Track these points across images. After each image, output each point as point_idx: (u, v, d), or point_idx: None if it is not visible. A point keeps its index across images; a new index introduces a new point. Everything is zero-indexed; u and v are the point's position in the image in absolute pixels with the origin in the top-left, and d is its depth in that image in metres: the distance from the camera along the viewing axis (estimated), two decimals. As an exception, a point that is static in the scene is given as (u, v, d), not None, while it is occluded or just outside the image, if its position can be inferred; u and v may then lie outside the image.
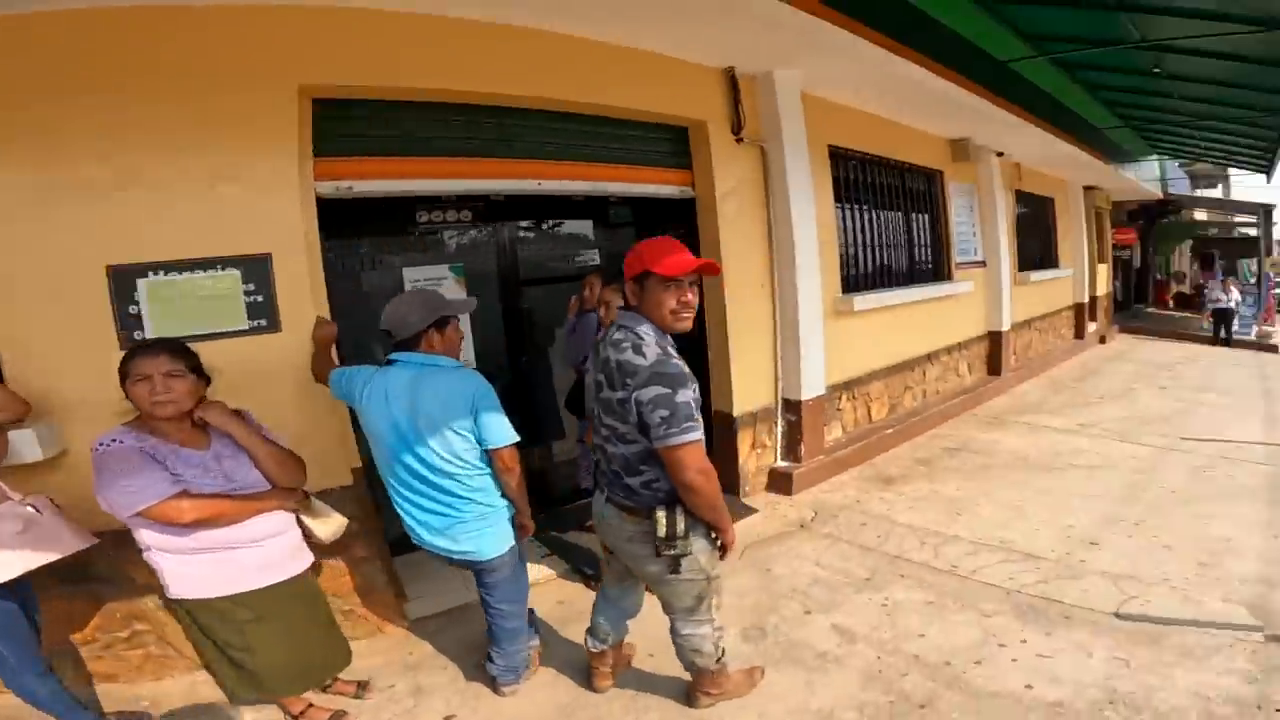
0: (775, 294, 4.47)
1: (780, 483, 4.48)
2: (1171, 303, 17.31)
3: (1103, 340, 11.71)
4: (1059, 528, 3.80)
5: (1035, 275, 9.01)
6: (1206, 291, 13.18)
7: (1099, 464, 5.00)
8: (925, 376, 6.65)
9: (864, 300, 5.28)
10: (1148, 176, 12.30)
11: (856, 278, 5.60)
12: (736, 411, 4.32)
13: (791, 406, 4.50)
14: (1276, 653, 2.54)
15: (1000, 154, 7.71)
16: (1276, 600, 2.93)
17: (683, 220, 4.22)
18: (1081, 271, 10.91)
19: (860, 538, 3.76)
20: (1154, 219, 17.26)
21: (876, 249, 5.94)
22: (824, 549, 3.64)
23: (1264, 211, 12.53)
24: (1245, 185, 18.91)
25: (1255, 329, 12.17)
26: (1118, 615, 2.84)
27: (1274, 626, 2.71)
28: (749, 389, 4.44)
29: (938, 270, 6.97)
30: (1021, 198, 9.05)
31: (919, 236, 6.62)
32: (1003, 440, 5.79)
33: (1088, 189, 11.60)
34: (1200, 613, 2.84)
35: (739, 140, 4.17)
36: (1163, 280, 18.54)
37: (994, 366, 7.78)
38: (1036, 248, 9.84)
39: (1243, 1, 3.77)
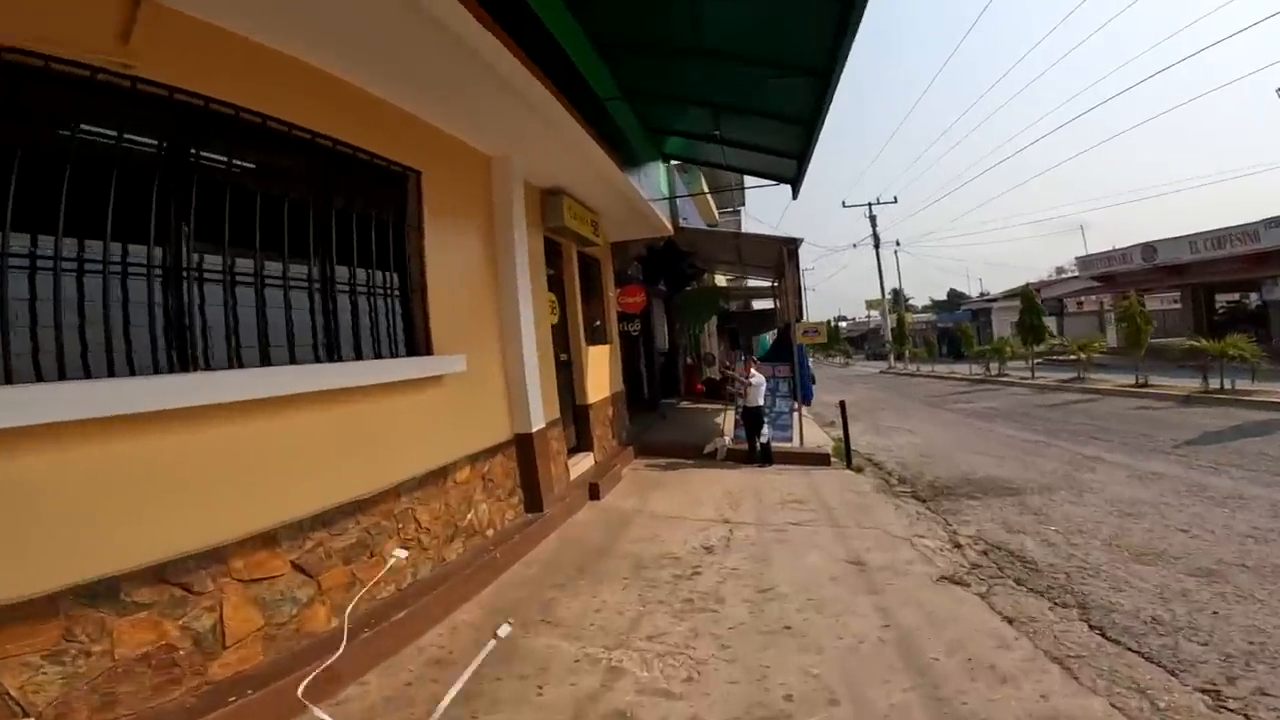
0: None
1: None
2: (704, 391, 14.18)
3: (595, 495, 5.99)
4: None
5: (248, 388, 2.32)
6: (732, 379, 9.26)
7: None
8: None
9: None
10: (653, 194, 7.69)
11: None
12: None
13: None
14: None
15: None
16: None
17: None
18: (521, 364, 4.95)
19: None
20: (677, 282, 14.14)
21: None
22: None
23: (786, 251, 8.74)
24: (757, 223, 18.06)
25: (794, 429, 8.29)
26: None
27: None
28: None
29: None
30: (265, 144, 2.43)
31: None
32: None
33: (549, 193, 6.10)
34: None
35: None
36: (693, 364, 15.76)
37: None
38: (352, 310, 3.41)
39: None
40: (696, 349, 17.19)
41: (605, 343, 8.38)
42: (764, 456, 7.66)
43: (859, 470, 7.52)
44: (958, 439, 9.71)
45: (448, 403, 4.01)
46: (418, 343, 3.88)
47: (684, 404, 13.17)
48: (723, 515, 5.49)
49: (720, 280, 17.44)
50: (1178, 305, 24.99)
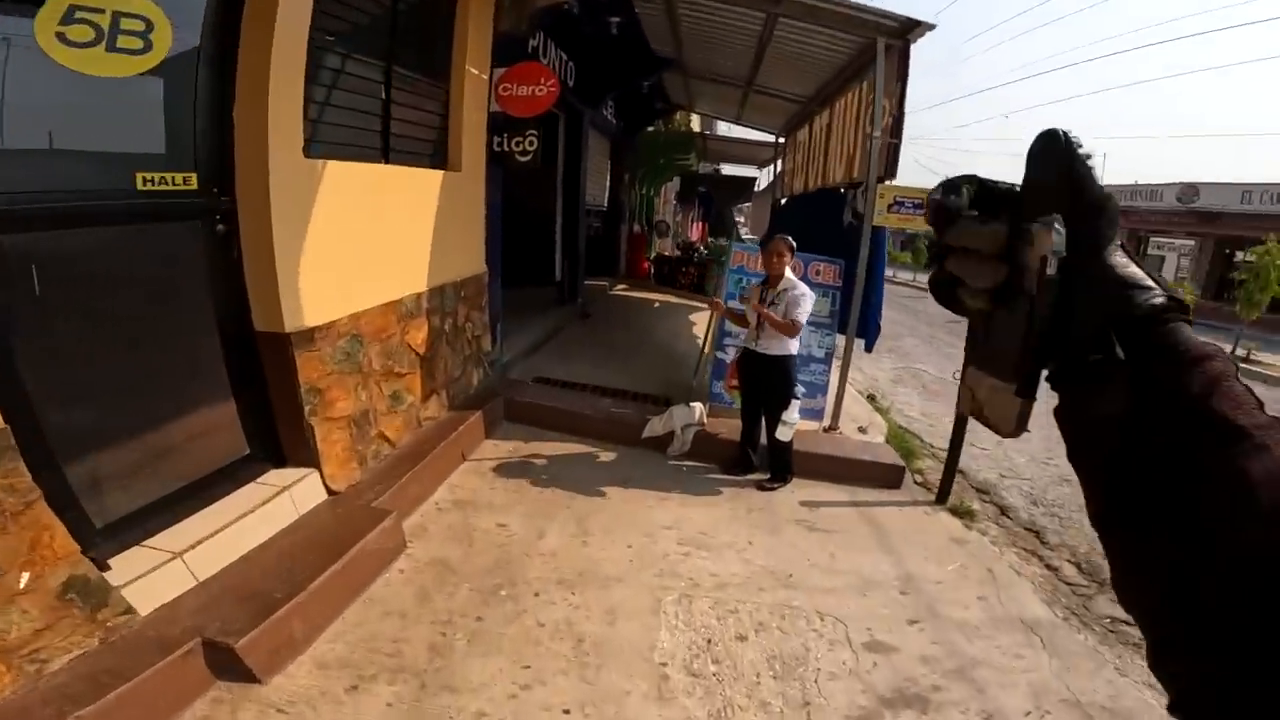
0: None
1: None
2: (650, 273, 9.57)
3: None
4: None
5: None
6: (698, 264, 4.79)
7: None
8: None
9: None
10: None
11: None
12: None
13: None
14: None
15: None
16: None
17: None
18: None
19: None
20: (636, 113, 8.93)
21: None
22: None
23: (885, 45, 3.36)
24: None
25: (827, 394, 3.99)
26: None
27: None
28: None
29: None
30: None
31: None
32: None
33: None
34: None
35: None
36: (641, 233, 10.92)
37: None
38: None
39: None
40: (647, 213, 12.28)
41: (436, 165, 3.56)
42: (778, 466, 3.37)
43: (966, 514, 3.37)
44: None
45: None
46: None
47: (620, 289, 8.59)
48: None
49: (695, 123, 12.20)
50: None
